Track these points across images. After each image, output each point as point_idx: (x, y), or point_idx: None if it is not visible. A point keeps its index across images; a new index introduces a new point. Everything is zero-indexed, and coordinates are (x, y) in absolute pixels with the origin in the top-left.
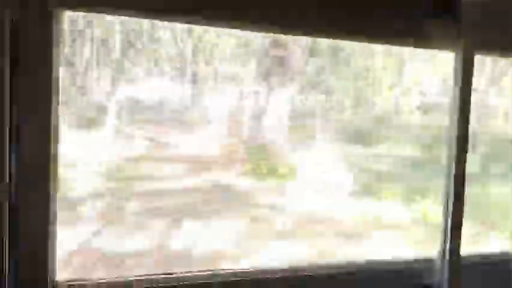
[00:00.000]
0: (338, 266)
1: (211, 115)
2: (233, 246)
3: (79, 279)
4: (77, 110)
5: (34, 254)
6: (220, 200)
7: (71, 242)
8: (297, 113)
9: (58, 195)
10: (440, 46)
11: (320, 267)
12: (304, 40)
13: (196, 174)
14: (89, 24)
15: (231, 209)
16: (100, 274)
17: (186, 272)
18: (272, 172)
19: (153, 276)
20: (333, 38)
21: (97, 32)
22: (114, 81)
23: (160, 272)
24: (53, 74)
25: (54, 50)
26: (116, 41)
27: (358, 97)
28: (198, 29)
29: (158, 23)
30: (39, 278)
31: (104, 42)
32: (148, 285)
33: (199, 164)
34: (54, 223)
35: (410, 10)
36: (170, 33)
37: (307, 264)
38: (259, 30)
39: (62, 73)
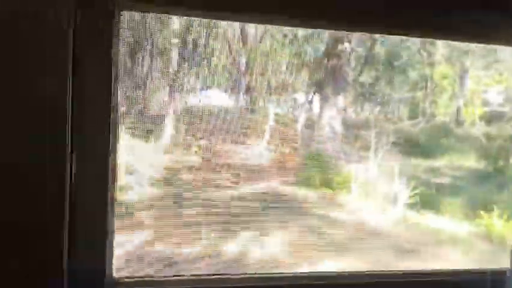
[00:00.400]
0: (403, 275)
1: (264, 125)
2: (283, 257)
3: (136, 276)
4: (136, 120)
5: (93, 252)
6: (272, 209)
7: (126, 246)
8: (351, 124)
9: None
10: (504, 42)
11: (381, 275)
12: (359, 49)
13: (249, 183)
14: (147, 35)
15: (282, 219)
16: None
17: (239, 274)
18: (325, 183)
19: (207, 277)
20: (387, 34)
21: (155, 44)
22: (171, 92)
23: (213, 273)
24: (113, 76)
25: (114, 51)
26: (173, 52)
27: (416, 107)
28: (251, 39)
29: (213, 33)
30: (98, 275)
31: (161, 53)
32: (203, 285)
33: (252, 173)
34: (112, 223)
35: (470, 4)
36: (224, 44)
37: (367, 272)
38: (317, 27)
39: (122, 83)
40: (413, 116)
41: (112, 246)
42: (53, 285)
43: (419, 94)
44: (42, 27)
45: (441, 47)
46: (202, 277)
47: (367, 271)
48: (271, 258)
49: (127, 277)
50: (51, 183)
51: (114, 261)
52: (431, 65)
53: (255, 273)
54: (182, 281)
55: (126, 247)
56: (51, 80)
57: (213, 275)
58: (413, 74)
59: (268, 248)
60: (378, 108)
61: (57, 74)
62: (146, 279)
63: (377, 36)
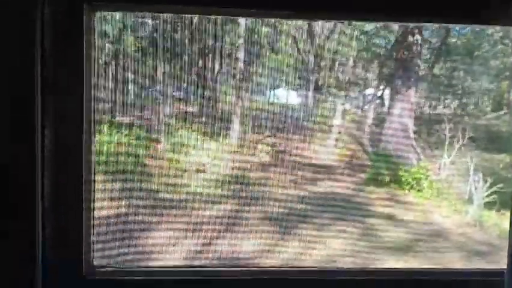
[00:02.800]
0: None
1: (333, 121)
2: (342, 257)
3: (115, 265)
4: (206, 119)
5: (69, 238)
6: (338, 207)
7: (191, 243)
8: (423, 118)
9: (182, 199)
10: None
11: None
12: (431, 40)
13: (316, 181)
14: (217, 37)
15: (346, 217)
16: None
17: (219, 267)
18: (395, 181)
19: (188, 268)
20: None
21: (223, 45)
22: (239, 92)
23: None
24: (85, 73)
25: (87, 47)
26: (240, 53)
27: (500, 99)
28: (318, 35)
29: (279, 32)
30: (73, 262)
31: (229, 55)
32: (181, 277)
33: (318, 171)
34: (89, 207)
35: None
36: (292, 43)
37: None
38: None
39: (192, 86)
40: (496, 108)
41: (90, 232)
42: (26, 274)
43: (504, 85)
44: (6, 17)
45: None
46: (181, 269)
47: (362, 268)
48: (326, 260)
49: (105, 265)
50: (22, 171)
51: (93, 246)
52: None
53: (233, 266)
54: (164, 272)
55: (190, 245)
56: (18, 75)
57: (192, 266)
58: (495, 64)
59: (326, 249)
60: (455, 101)
61: (24, 68)
62: (124, 269)
63: (450, 26)
